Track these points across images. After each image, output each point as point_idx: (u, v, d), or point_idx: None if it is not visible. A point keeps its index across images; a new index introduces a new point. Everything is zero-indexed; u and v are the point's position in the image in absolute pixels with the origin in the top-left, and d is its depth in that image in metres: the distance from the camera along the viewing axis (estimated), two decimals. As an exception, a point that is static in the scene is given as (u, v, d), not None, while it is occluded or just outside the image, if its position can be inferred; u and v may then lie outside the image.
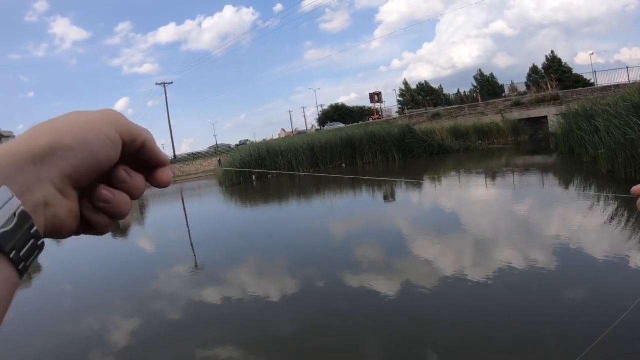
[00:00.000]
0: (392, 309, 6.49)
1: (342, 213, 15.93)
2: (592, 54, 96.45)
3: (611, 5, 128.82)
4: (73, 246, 18.40)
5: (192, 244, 14.52)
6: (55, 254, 17.58)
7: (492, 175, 19.36)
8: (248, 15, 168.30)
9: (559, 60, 71.72)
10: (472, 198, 15.22)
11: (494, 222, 11.37)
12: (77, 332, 7.63)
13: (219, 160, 38.92)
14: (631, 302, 5.46)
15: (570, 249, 7.87)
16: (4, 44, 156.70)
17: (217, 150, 62.05)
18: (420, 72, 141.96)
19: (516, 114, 35.68)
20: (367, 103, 73.36)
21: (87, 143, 0.49)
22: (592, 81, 48.76)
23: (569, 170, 17.79)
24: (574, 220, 10.21)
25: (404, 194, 19.18)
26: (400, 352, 5.29)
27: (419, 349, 5.26)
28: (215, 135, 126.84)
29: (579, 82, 55.31)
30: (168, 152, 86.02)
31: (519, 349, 4.91)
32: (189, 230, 17.80)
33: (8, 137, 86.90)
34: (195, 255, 12.53)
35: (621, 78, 37.68)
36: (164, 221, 22.87)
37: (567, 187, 14.57)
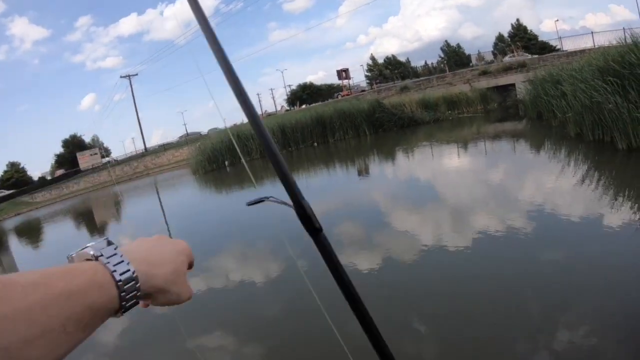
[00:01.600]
0: (373, 283, 6.46)
1: (318, 191, 15.86)
2: (557, 20, 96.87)
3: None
4: (51, 240, 18.19)
5: (170, 234, 14.33)
6: (34, 259, 17.33)
7: (463, 144, 19.42)
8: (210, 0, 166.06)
9: (525, 28, 72.12)
10: (444, 168, 15.25)
11: (468, 190, 11.39)
12: None
13: (199, 146, 38.54)
14: (607, 263, 5.52)
15: (544, 212, 7.89)
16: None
17: (188, 139, 61.44)
18: (387, 47, 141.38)
19: (484, 83, 35.79)
20: (335, 80, 72.97)
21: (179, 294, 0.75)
22: (558, 47, 49.09)
23: (539, 135, 17.92)
24: (547, 183, 10.28)
25: (377, 168, 19.19)
26: (381, 324, 5.24)
27: (401, 320, 5.23)
28: (185, 124, 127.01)
29: (545, 48, 55.56)
30: (138, 145, 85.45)
31: (499, 315, 4.90)
32: (166, 222, 17.62)
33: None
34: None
35: (587, 43, 37.91)
36: (140, 215, 22.62)
37: (538, 152, 14.68)
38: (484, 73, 36.83)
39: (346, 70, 61.64)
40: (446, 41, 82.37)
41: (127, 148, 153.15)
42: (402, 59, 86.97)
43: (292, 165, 26.14)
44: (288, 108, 76.02)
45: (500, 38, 73.67)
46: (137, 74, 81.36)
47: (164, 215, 20.28)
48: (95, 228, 22.36)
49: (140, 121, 78.21)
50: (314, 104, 60.13)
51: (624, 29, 22.92)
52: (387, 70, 78.89)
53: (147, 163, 59.14)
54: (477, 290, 5.60)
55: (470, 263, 6.44)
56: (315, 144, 32.87)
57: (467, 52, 76.64)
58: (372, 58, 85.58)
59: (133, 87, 76.82)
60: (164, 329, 6.54)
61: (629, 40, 13.19)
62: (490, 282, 5.71)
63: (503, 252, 6.54)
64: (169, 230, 15.46)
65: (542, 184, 10.37)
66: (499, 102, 34.84)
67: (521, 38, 67.32)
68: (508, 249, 6.58)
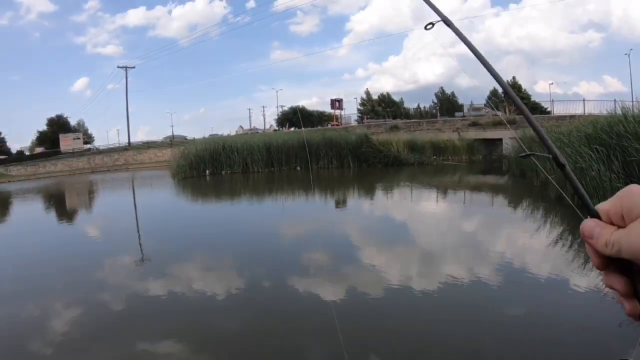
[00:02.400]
0: (335, 314, 6.37)
1: (292, 216, 15.80)
2: (552, 83, 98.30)
3: (575, 40, 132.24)
4: (16, 231, 17.86)
5: (139, 234, 14.16)
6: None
7: (444, 190, 19.50)
8: (220, 7, 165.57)
9: (519, 86, 73.38)
10: (422, 211, 15.26)
11: (442, 236, 11.38)
12: (17, 319, 7.26)
13: (183, 150, 38.34)
14: (565, 323, 5.51)
15: (511, 268, 7.89)
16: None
17: (173, 141, 61.16)
18: (383, 84, 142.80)
19: (472, 134, 36.21)
20: (327, 108, 73.33)
21: None
22: (548, 109, 49.97)
23: (519, 192, 18.05)
24: (519, 240, 10.30)
25: (355, 202, 19.16)
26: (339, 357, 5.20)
27: (358, 354, 5.15)
28: (172, 126, 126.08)
29: (536, 109, 56.50)
30: (123, 139, 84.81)
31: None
32: (137, 221, 17.38)
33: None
34: (142, 247, 12.19)
35: (577, 109, 38.64)
36: (113, 209, 22.30)
37: (515, 209, 14.77)
38: (474, 124, 37.28)
39: (340, 101, 61.95)
40: (441, 87, 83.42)
41: (111, 139, 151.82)
42: (396, 98, 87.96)
43: (273, 183, 26.07)
44: (277, 128, 76.15)
45: (494, 92, 74.54)
46: (134, 67, 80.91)
47: (136, 213, 20.04)
48: (64, 213, 22.02)
49: (129, 115, 77.59)
50: (303, 128, 60.28)
51: (615, 100, 23.33)
52: (380, 107, 79.53)
53: (128, 157, 58.76)
54: (432, 331, 5.55)
55: (430, 305, 6.40)
56: (299, 167, 32.83)
57: (460, 101, 77.56)
58: (367, 93, 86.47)
59: (128, 79, 76.50)
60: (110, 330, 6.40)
61: (619, 112, 13.39)
62: (446, 327, 5.66)
63: (464, 300, 6.50)
64: (138, 229, 15.26)
65: (514, 240, 10.39)
66: (484, 154, 35.20)
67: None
68: (470, 299, 6.54)
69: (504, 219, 13.21)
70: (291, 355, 5.38)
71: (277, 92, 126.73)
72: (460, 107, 69.06)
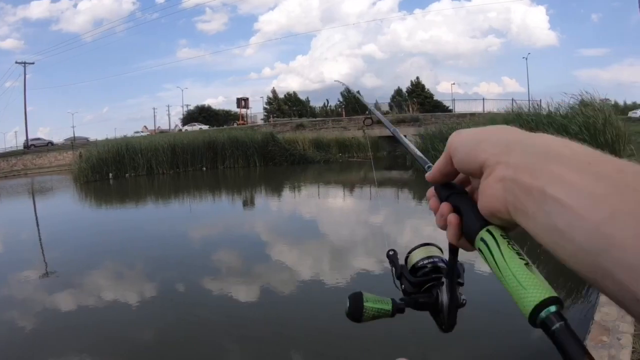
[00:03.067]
0: (251, 314, 6.27)
1: (201, 218, 15.51)
2: (454, 84, 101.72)
3: (476, 44, 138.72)
4: None
5: (41, 245, 13.37)
6: None
7: (350, 186, 19.68)
8: (128, 3, 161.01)
9: (423, 86, 75.44)
10: (328, 207, 15.35)
11: (350, 230, 11.47)
12: None
13: (80, 154, 36.88)
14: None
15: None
16: None
17: (74, 143, 58.83)
18: (290, 83, 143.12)
19: (377, 131, 36.63)
20: (233, 107, 72.68)
21: None
22: (450, 108, 51.65)
23: (422, 185, 18.43)
24: (424, 231, 10.48)
25: (262, 200, 19.05)
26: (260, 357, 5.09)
27: (279, 353, 5.06)
28: (73, 127, 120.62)
29: (439, 107, 58.29)
30: (20, 140, 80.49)
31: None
32: (38, 230, 16.41)
33: None
34: (45, 258, 11.44)
35: (477, 108, 40.25)
36: (9, 218, 21.11)
37: (420, 201, 15.07)
38: (379, 122, 37.74)
39: (246, 100, 61.73)
40: (347, 87, 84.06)
41: (8, 142, 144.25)
42: (303, 97, 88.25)
43: (179, 186, 25.56)
44: (182, 128, 74.82)
45: (398, 92, 76.52)
46: (33, 63, 77.03)
47: (37, 222, 19.08)
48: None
49: (27, 115, 73.78)
50: (208, 127, 59.55)
51: (512, 99, 24.46)
52: (286, 106, 79.60)
53: (27, 162, 55.81)
54: (344, 324, 5.51)
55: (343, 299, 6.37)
56: (205, 168, 32.34)
57: (365, 100, 78.76)
58: (274, 92, 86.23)
59: (27, 76, 72.77)
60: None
61: (516, 109, 13.99)
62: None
63: (377, 292, 6.51)
64: (40, 240, 14.49)
65: (420, 232, 10.55)
66: (388, 150, 35.87)
67: (418, 95, 70.11)
68: (383, 290, 6.55)
69: (409, 212, 13.50)
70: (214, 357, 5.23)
71: (182, 90, 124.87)
72: (364, 106, 70.18)
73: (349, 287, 6.77)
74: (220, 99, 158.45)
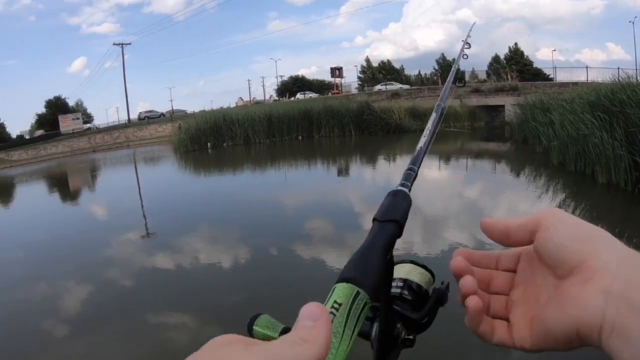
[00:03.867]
0: (333, 279, 6.46)
1: (294, 185, 15.89)
2: (554, 50, 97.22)
3: (576, 6, 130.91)
4: (21, 214, 17.96)
5: (143, 210, 14.22)
6: (1, 219, 17.08)
7: (446, 158, 19.49)
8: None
9: (521, 53, 72.54)
10: (424, 178, 15.30)
11: (444, 203, 11.46)
12: (28, 299, 7.36)
13: (179, 125, 38.40)
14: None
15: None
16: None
17: (173, 116, 60.87)
18: (383, 51, 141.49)
19: (474, 100, 35.95)
20: (327, 77, 73.01)
21: None
22: (551, 76, 49.63)
23: (521, 158, 18.02)
24: (521, 207, 10.32)
25: (357, 169, 19.21)
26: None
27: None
28: (171, 101, 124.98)
29: (539, 75, 55.94)
30: (122, 116, 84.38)
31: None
32: (140, 197, 17.45)
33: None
34: (147, 222, 12.26)
35: (580, 76, 38.38)
36: (116, 187, 22.34)
37: (518, 175, 14.78)
38: (476, 91, 36.99)
39: (340, 69, 61.61)
40: (442, 54, 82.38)
41: (110, 117, 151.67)
42: (397, 65, 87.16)
43: (275, 155, 26.11)
44: (277, 98, 75.82)
45: (496, 59, 73.96)
46: (130, 44, 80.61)
47: (139, 188, 20.13)
48: (68, 194, 22.09)
49: (127, 92, 77.36)
50: (299, 96, 60.05)
51: (618, 68, 23.27)
52: (381, 75, 78.86)
53: (129, 134, 58.45)
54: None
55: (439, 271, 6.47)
56: (300, 137, 32.78)
57: (461, 67, 76.77)
58: (367, 60, 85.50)
59: (125, 56, 76.03)
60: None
61: (622, 79, 13.34)
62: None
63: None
64: (141, 204, 15.36)
65: (516, 207, 10.42)
66: (486, 121, 34.98)
67: (517, 62, 67.58)
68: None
69: (506, 186, 13.23)
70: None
71: (275, 62, 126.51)
72: (462, 74, 68.55)
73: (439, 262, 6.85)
74: (313, 69, 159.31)
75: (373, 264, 0.53)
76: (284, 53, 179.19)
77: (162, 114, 69.29)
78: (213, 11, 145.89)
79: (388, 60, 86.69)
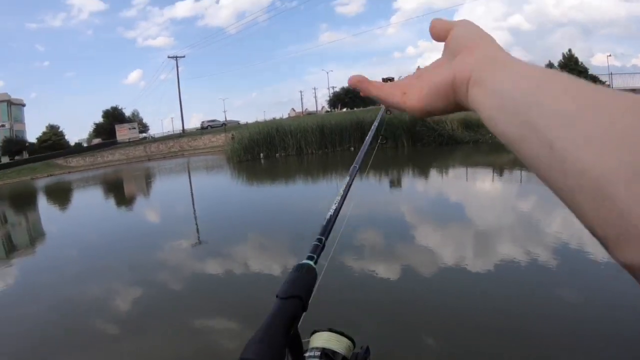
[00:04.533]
0: (392, 293, 6.56)
1: (347, 197, 16.02)
2: (609, 55, 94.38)
3: (631, 8, 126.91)
4: (77, 214, 18.66)
5: (196, 217, 14.63)
6: (60, 221, 17.79)
7: (499, 169, 19.32)
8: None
9: (576, 59, 70.86)
10: (476, 191, 15.25)
11: (497, 216, 11.40)
12: (80, 297, 7.80)
13: (232, 136, 39.14)
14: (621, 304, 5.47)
15: (569, 249, 7.85)
16: (21, 13, 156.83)
17: (226, 128, 61.92)
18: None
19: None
20: (379, 88, 73.03)
21: None
22: (607, 83, 48.38)
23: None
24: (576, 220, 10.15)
25: (410, 181, 19.23)
26: (396, 334, 5.35)
27: (416, 333, 5.31)
28: (225, 111, 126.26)
29: (595, 82, 53.89)
30: (177, 126, 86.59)
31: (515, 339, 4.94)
32: (193, 204, 17.91)
33: (18, 104, 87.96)
34: (198, 229, 12.66)
35: (637, 82, 37.36)
36: (169, 194, 23.02)
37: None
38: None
39: (392, 79, 59.90)
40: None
41: (165, 127, 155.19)
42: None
43: (327, 165, 26.31)
44: (329, 109, 76.21)
45: (549, 66, 72.44)
46: (184, 56, 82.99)
47: (192, 196, 20.60)
48: (123, 199, 22.79)
49: (182, 102, 79.29)
50: (355, 109, 60.14)
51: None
52: (433, 85, 78.48)
53: (183, 144, 59.76)
54: (489, 309, 5.63)
55: (489, 285, 6.49)
56: (352, 148, 32.91)
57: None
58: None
59: (179, 68, 77.99)
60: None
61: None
62: (498, 305, 5.73)
63: (521, 281, 6.55)
64: (194, 212, 15.76)
65: (571, 220, 10.18)
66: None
67: (572, 69, 66.15)
68: (523, 278, 6.59)
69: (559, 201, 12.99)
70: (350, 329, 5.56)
71: (327, 73, 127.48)
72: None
73: (494, 277, 6.86)
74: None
75: (273, 344, 0.55)
76: (336, 64, 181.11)
77: (224, 123, 70.79)
78: (264, 24, 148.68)
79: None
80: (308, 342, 0.88)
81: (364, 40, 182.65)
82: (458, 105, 0.53)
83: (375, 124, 1.60)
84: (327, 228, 0.90)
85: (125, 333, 6.21)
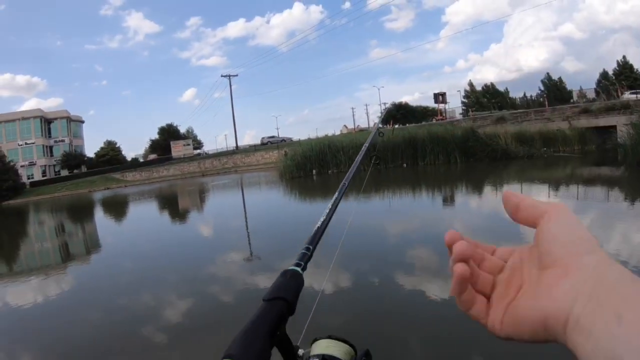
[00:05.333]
0: (438, 315, 6.75)
1: (399, 213, 16.22)
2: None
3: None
4: (132, 227, 19.37)
5: (248, 232, 15.08)
6: (117, 234, 18.52)
7: (555, 185, 19.19)
8: (316, 12, 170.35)
9: (631, 66, 69.34)
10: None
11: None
12: (131, 307, 8.36)
13: (285, 152, 39.81)
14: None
15: (628, 266, 7.87)
16: (81, 35, 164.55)
17: (279, 145, 62.80)
18: (485, 74, 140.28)
19: (584, 122, 34.77)
20: (430, 103, 73.15)
21: None
22: (666, 90, 47.17)
23: (637, 185, 17.46)
24: (635, 238, 10.10)
25: (463, 198, 19.27)
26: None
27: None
28: (277, 128, 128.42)
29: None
30: (230, 143, 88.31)
31: None
32: (246, 219, 18.39)
33: (77, 121, 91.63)
34: (250, 244, 13.07)
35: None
36: (224, 208, 23.62)
37: (633, 203, 14.31)
38: (585, 111, 35.79)
39: (443, 94, 61.47)
40: (548, 74, 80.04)
41: (219, 144, 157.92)
42: (501, 88, 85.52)
43: (379, 182, 26.50)
44: (381, 126, 76.39)
45: (604, 75, 71.12)
46: (237, 75, 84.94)
47: (245, 211, 21.09)
48: (176, 212, 23.49)
49: (235, 120, 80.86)
50: (407, 124, 60.15)
51: None
52: (485, 99, 77.78)
53: (236, 160, 60.98)
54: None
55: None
56: (405, 164, 33.03)
57: (568, 87, 74.39)
58: (470, 84, 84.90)
59: (232, 86, 79.52)
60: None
61: None
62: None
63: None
64: (247, 227, 16.21)
65: (631, 238, 10.16)
66: (597, 144, 33.65)
67: (627, 77, 64.78)
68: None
69: (620, 216, 12.82)
70: (388, 347, 5.80)
71: (378, 89, 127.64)
72: (569, 94, 66.38)
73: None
74: (416, 95, 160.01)
75: (255, 342, 0.57)
76: (387, 80, 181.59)
77: (283, 139, 72.03)
78: (315, 42, 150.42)
79: (492, 83, 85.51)
80: (309, 351, 0.88)
81: (414, 55, 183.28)
82: (550, 340, 0.44)
83: (367, 144, 1.76)
84: (315, 238, 0.96)
85: (174, 342, 6.62)
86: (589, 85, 71.68)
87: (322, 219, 1.01)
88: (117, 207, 29.97)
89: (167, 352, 6.36)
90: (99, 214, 28.05)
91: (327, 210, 0.99)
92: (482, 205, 17.28)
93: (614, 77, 67.03)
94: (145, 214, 24.74)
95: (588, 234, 0.47)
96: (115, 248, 14.90)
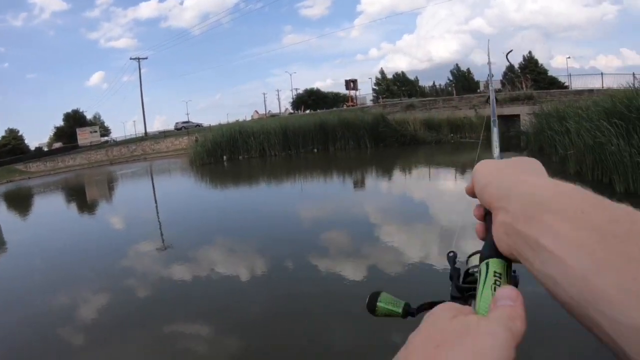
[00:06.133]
0: (356, 294, 6.48)
1: (311, 197, 15.95)
2: (569, 58, 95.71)
3: (590, 13, 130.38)
4: (40, 221, 18.20)
5: (160, 222, 14.37)
6: (22, 229, 17.33)
7: (462, 168, 19.45)
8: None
9: (536, 61, 72.22)
10: (439, 189, 15.33)
11: (459, 214, 11.45)
12: (46, 306, 7.52)
13: (196, 138, 38.91)
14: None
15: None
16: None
17: (191, 131, 61.47)
18: (397, 63, 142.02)
19: (489, 110, 35.51)
20: (342, 89, 73.34)
21: None
22: (566, 84, 49.21)
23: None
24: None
25: (373, 181, 19.25)
26: (362, 336, 5.29)
27: (381, 334, 5.24)
28: (187, 114, 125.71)
29: (554, 84, 55.50)
30: (140, 129, 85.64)
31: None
32: (157, 209, 17.63)
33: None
34: (163, 234, 12.40)
35: (595, 83, 38.07)
36: (132, 199, 22.63)
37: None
38: (487, 101, 36.68)
39: (354, 81, 61.80)
40: (457, 64, 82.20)
41: (128, 130, 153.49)
42: (411, 77, 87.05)
43: (290, 167, 26.22)
44: (292, 111, 76.19)
45: (510, 68, 73.52)
46: (147, 58, 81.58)
47: (155, 200, 20.30)
48: (85, 204, 22.34)
49: (144, 105, 78.28)
50: (318, 110, 60.17)
51: (633, 73, 23.15)
52: (395, 87, 78.89)
53: (146, 147, 59.01)
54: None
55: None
56: (316, 150, 32.89)
57: (475, 78, 76.59)
58: (382, 72, 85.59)
59: (142, 70, 76.94)
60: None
61: (637, 85, 13.26)
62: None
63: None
64: (157, 216, 15.50)
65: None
66: (502, 131, 34.60)
67: (531, 71, 67.33)
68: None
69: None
70: (317, 335, 5.50)
71: (290, 75, 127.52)
72: (476, 84, 68.41)
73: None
74: (328, 82, 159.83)
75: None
76: (300, 66, 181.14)
77: (198, 125, 70.54)
78: (228, 26, 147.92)
79: (402, 72, 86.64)
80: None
81: (327, 42, 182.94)
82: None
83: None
84: None
85: (93, 342, 5.99)
86: (496, 77, 73.86)
87: None
88: (22, 202, 28.17)
89: (86, 353, 5.74)
90: (2, 210, 26.23)
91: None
92: (391, 187, 17.28)
93: (519, 70, 69.49)
94: (52, 207, 23.27)
95: (509, 168, 0.59)
96: (23, 246, 13.73)
